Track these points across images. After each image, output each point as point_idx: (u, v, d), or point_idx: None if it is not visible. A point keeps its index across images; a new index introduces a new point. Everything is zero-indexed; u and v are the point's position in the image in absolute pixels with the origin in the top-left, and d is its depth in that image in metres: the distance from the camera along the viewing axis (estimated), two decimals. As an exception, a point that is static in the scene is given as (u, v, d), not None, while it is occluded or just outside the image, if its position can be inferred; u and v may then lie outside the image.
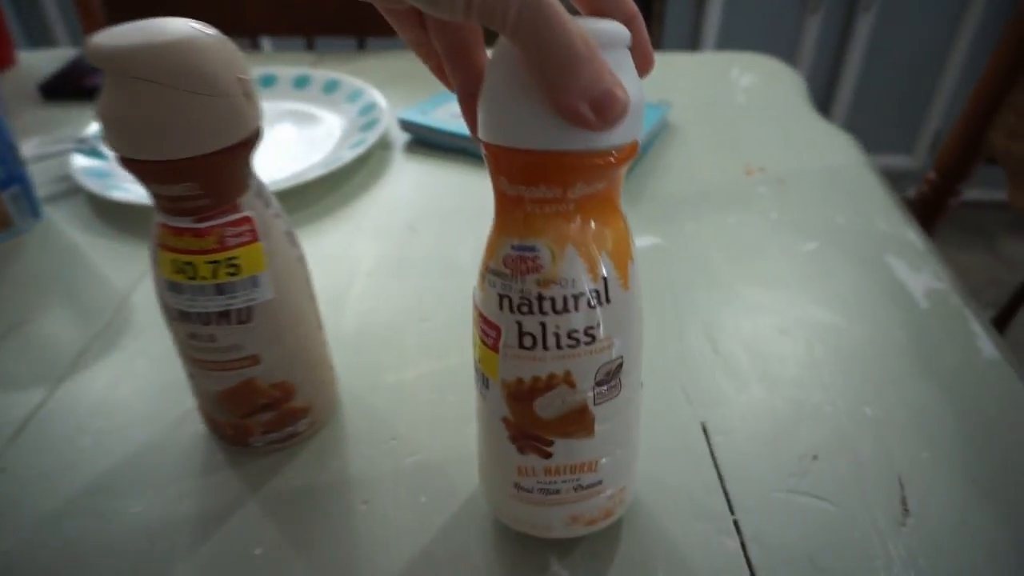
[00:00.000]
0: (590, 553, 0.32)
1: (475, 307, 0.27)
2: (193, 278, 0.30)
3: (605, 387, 0.27)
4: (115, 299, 0.48)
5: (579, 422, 0.27)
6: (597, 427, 0.27)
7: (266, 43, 1.73)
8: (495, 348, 0.26)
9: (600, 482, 0.29)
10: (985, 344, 0.42)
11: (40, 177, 0.61)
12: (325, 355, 0.37)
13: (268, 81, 0.74)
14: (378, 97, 0.68)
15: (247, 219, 0.30)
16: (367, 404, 0.39)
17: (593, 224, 0.25)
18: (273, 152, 0.65)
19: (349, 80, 0.72)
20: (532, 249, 0.24)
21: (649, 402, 0.38)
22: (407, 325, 0.45)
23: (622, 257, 0.26)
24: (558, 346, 0.25)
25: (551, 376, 0.26)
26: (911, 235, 0.52)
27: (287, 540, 0.33)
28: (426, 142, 0.66)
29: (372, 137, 0.62)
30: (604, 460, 0.29)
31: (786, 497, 0.34)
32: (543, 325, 0.25)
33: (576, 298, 0.25)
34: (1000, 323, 0.75)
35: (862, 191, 0.57)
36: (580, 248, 0.24)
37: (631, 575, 0.31)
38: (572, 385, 0.26)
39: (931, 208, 0.71)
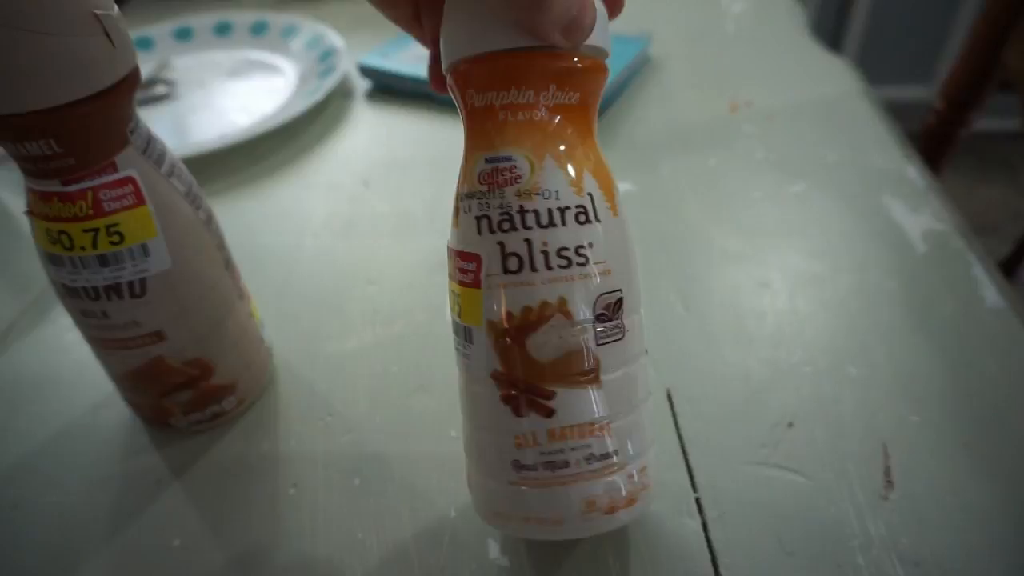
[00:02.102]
0: (533, 542, 0.29)
1: (449, 254, 0.24)
2: (71, 249, 0.26)
3: (606, 325, 0.23)
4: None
5: (580, 365, 0.23)
6: (603, 376, 0.24)
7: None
8: (476, 282, 0.23)
9: (616, 452, 0.24)
10: (988, 291, 0.38)
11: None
12: (250, 328, 0.34)
13: (223, 29, 0.69)
14: (337, 42, 0.63)
15: (128, 179, 0.27)
16: (304, 378, 0.36)
17: (572, 138, 0.23)
18: (229, 105, 0.61)
19: (309, 25, 0.67)
20: (508, 159, 0.23)
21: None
22: (352, 289, 0.41)
23: (606, 182, 0.24)
24: (547, 266, 0.23)
25: (543, 305, 0.23)
26: (911, 172, 0.47)
27: (208, 529, 0.30)
28: (388, 88, 0.61)
29: (327, 85, 0.57)
30: (616, 423, 0.24)
31: (755, 471, 0.30)
32: (528, 243, 0.22)
33: (562, 211, 0.22)
34: (1015, 260, 0.71)
35: (859, 124, 0.52)
36: (559, 160, 0.23)
37: (578, 563, 0.28)
38: (568, 316, 0.23)
39: (939, 141, 0.65)
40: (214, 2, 0.81)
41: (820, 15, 1.76)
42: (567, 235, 0.23)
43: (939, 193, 0.45)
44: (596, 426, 0.24)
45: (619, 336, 0.24)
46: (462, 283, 0.24)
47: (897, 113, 0.53)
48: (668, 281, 0.40)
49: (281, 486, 0.31)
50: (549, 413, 0.23)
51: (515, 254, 0.23)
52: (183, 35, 0.69)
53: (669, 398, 0.34)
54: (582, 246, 0.23)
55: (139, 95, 0.61)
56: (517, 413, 0.24)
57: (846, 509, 0.29)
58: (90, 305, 0.28)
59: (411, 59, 0.60)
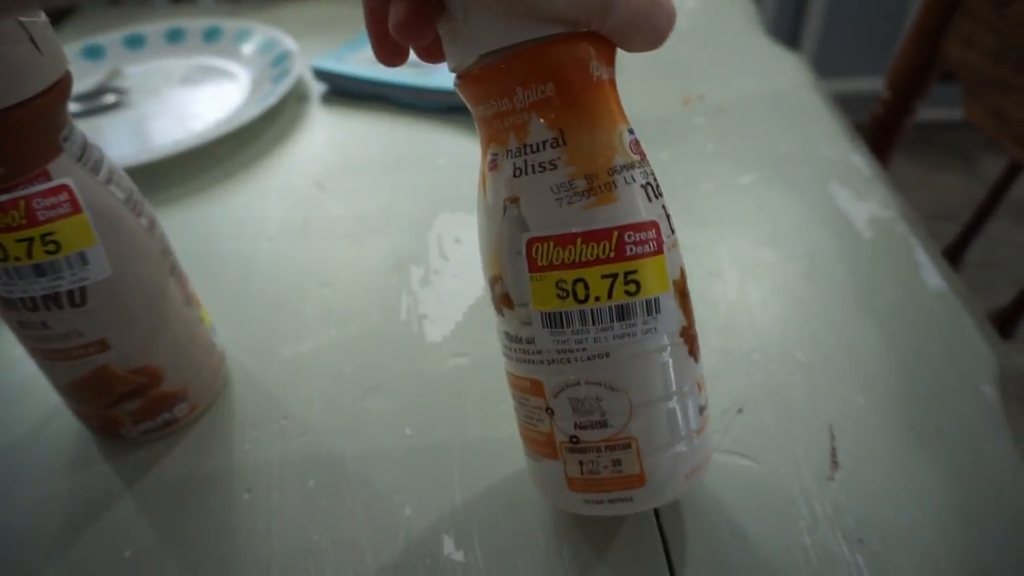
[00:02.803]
0: (488, 533, 0.29)
1: (595, 235, 0.22)
2: (5, 259, 0.26)
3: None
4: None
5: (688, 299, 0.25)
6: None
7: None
8: (659, 248, 0.23)
9: (706, 406, 0.26)
10: (930, 275, 0.39)
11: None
12: (200, 333, 0.34)
13: (175, 36, 0.69)
14: (291, 45, 0.63)
15: (63, 188, 0.26)
16: (258, 382, 0.36)
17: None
18: (183, 111, 0.60)
19: (262, 29, 0.67)
20: (632, 131, 0.23)
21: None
22: (308, 292, 0.41)
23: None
24: (671, 229, 0.24)
25: (675, 243, 0.24)
26: (857, 160, 0.48)
27: (160, 539, 0.30)
28: (343, 91, 0.61)
29: (281, 89, 0.57)
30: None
31: (706, 457, 0.31)
32: (664, 208, 0.23)
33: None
34: (960, 245, 0.72)
35: (808, 116, 0.53)
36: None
37: (530, 555, 0.28)
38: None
39: (886, 130, 0.66)
40: (166, 9, 0.80)
41: (778, 13, 1.79)
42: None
43: (885, 181, 0.46)
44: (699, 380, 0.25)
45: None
46: (642, 255, 0.22)
47: (855, 104, 0.54)
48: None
49: (235, 491, 0.31)
50: (698, 359, 0.25)
51: (668, 214, 0.24)
52: (135, 43, 0.68)
53: (622, 389, 0.34)
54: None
55: (88, 104, 0.61)
56: (696, 359, 0.25)
57: (794, 491, 0.29)
58: (28, 316, 0.28)
59: (365, 61, 0.60)
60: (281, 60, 0.62)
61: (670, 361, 0.23)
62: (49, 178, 0.26)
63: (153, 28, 0.69)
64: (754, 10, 0.73)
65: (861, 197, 0.45)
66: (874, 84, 1.87)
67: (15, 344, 0.39)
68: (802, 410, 0.32)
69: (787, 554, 0.27)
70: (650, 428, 0.24)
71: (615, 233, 0.22)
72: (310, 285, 0.42)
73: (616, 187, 0.22)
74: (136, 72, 0.66)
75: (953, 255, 0.73)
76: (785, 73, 0.59)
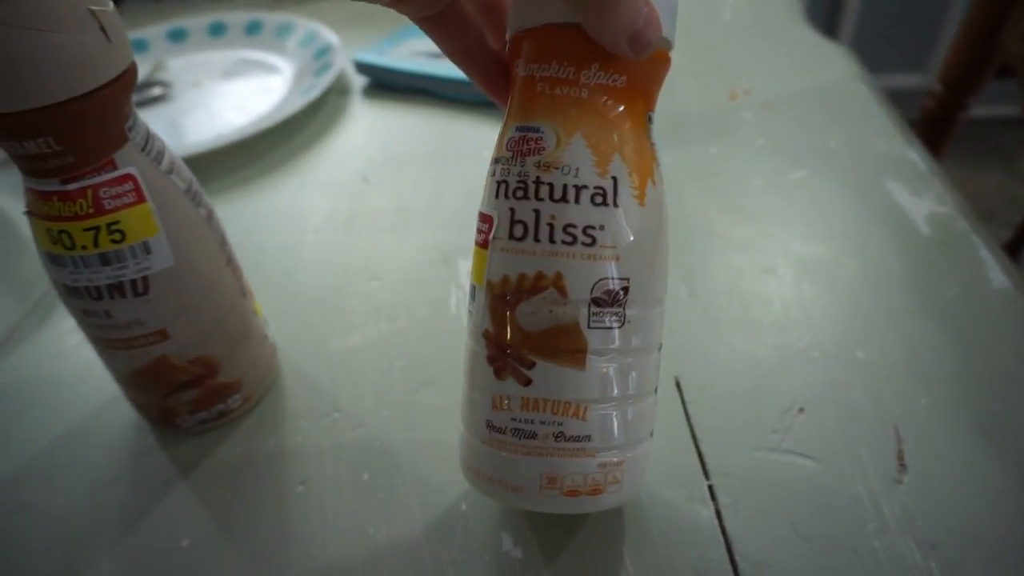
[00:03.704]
0: (546, 533, 0.28)
1: (480, 208, 0.25)
2: (72, 248, 0.26)
3: (603, 310, 0.23)
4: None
5: (566, 343, 0.23)
6: (589, 359, 0.23)
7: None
8: (485, 243, 0.24)
9: (588, 438, 0.24)
10: (994, 273, 0.38)
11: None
12: (254, 324, 0.34)
13: (217, 29, 0.69)
14: (332, 39, 0.63)
15: (128, 177, 0.26)
16: (309, 375, 0.36)
17: (612, 122, 0.23)
18: (225, 104, 0.60)
19: (304, 23, 0.67)
20: (536, 130, 0.23)
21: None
22: (355, 285, 0.41)
23: (642, 170, 0.23)
24: (551, 239, 0.22)
25: (539, 276, 0.23)
26: (912, 155, 0.47)
27: (217, 529, 0.30)
28: (385, 84, 0.61)
29: (324, 82, 0.57)
30: (596, 410, 0.24)
31: (767, 457, 0.30)
32: (536, 213, 0.22)
33: (578, 189, 0.22)
34: (1016, 245, 0.70)
35: (858, 110, 0.52)
36: (590, 139, 0.22)
37: (591, 554, 0.28)
38: (563, 292, 0.23)
39: (938, 126, 0.65)
40: (208, 3, 0.80)
41: (813, 4, 1.76)
42: (578, 213, 0.22)
43: (941, 176, 0.45)
44: (572, 406, 0.23)
45: (616, 324, 0.23)
46: (477, 243, 0.24)
47: (892, 102, 0.53)
48: (673, 269, 0.39)
49: (289, 483, 0.31)
50: (526, 382, 0.23)
51: (522, 222, 0.23)
52: (177, 36, 0.69)
53: (678, 385, 0.33)
54: (591, 227, 0.22)
55: (135, 97, 0.61)
56: (497, 375, 0.24)
57: (860, 493, 0.28)
58: (92, 305, 0.28)
59: (407, 55, 0.60)
60: (323, 53, 0.62)
61: (474, 353, 0.25)
62: (115, 167, 0.26)
63: (195, 22, 0.70)
64: (798, 1, 0.71)
65: (917, 193, 0.43)
66: (911, 81, 1.84)
67: (68, 333, 0.40)
68: (865, 410, 0.32)
69: (855, 558, 0.26)
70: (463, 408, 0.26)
71: (478, 215, 0.25)
72: (357, 278, 0.41)
73: (488, 177, 0.24)
74: (178, 65, 0.67)
75: (1010, 253, 0.71)
76: (832, 66, 0.58)
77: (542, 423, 0.23)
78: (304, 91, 0.57)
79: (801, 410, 0.32)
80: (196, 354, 0.31)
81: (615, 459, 0.24)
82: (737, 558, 0.27)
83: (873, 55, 1.79)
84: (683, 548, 0.27)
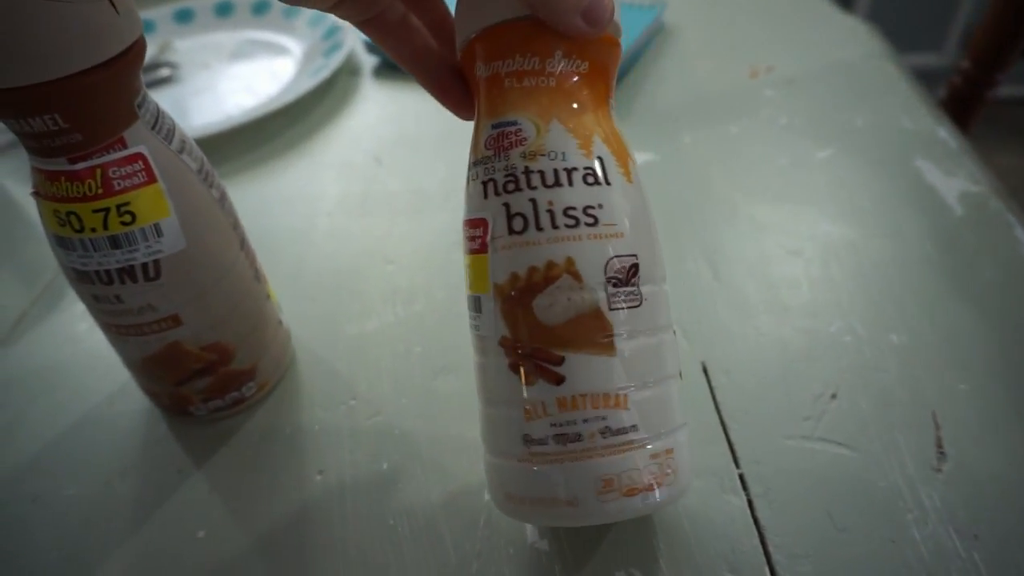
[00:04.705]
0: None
1: (463, 227, 0.24)
2: (80, 230, 0.25)
3: (620, 290, 0.22)
4: (55, 258, 0.43)
5: (592, 330, 0.22)
6: (618, 343, 0.22)
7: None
8: (483, 247, 0.23)
9: (634, 427, 0.22)
10: (1031, 253, 0.36)
11: (-21, 130, 0.56)
12: (268, 310, 0.33)
13: (224, 9, 0.68)
14: (342, 18, 0.62)
15: (138, 156, 0.25)
16: (324, 361, 0.35)
17: (582, 105, 0.23)
18: (233, 86, 0.59)
19: (312, 2, 0.65)
20: (513, 123, 0.22)
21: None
22: (370, 269, 0.40)
23: (620, 150, 0.23)
24: (553, 225, 0.22)
25: (549, 265, 0.22)
26: (942, 133, 0.45)
27: (233, 519, 0.29)
28: (395, 65, 0.59)
29: (333, 63, 0.55)
30: (635, 396, 0.22)
31: (799, 445, 0.29)
32: (533, 202, 0.22)
33: (569, 172, 0.22)
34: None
35: (884, 87, 0.51)
36: (568, 123, 0.22)
37: (621, 546, 0.27)
38: (577, 278, 0.22)
39: (965, 103, 0.63)
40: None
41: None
42: (574, 195, 0.22)
43: (972, 155, 0.43)
44: (611, 397, 0.22)
45: (636, 303, 0.22)
46: (471, 251, 0.23)
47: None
48: (696, 251, 0.39)
49: (307, 472, 0.30)
50: (558, 380, 0.22)
51: (520, 214, 0.22)
52: (184, 17, 0.68)
53: (705, 371, 0.32)
54: (591, 206, 0.22)
55: (144, 77, 0.60)
56: (525, 381, 0.22)
57: (897, 482, 0.27)
58: (103, 290, 0.27)
59: (418, 33, 0.58)
60: (332, 33, 0.61)
61: (491, 367, 0.23)
62: (125, 146, 0.25)
63: (202, 2, 0.68)
64: (817, -22, 0.69)
65: (949, 172, 0.42)
66: (926, 59, 1.81)
67: (78, 318, 0.39)
68: (900, 396, 0.31)
69: (895, 549, 0.25)
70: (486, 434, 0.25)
71: (464, 225, 0.24)
72: (372, 262, 0.40)
73: (468, 183, 0.24)
74: (186, 46, 0.65)
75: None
76: (856, 43, 0.56)
77: (585, 421, 0.22)
78: (314, 72, 0.56)
79: (834, 396, 0.31)
80: (210, 340, 0.30)
81: (665, 447, 0.23)
82: (771, 549, 0.26)
83: (888, 34, 1.76)
84: (715, 539, 0.26)
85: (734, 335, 0.34)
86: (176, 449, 0.32)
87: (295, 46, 0.63)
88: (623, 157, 0.23)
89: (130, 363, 0.31)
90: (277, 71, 0.60)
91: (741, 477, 0.28)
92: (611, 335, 0.22)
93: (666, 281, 0.24)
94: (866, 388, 0.31)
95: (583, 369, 0.22)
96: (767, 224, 0.40)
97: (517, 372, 0.22)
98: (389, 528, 0.28)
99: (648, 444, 0.22)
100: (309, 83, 0.53)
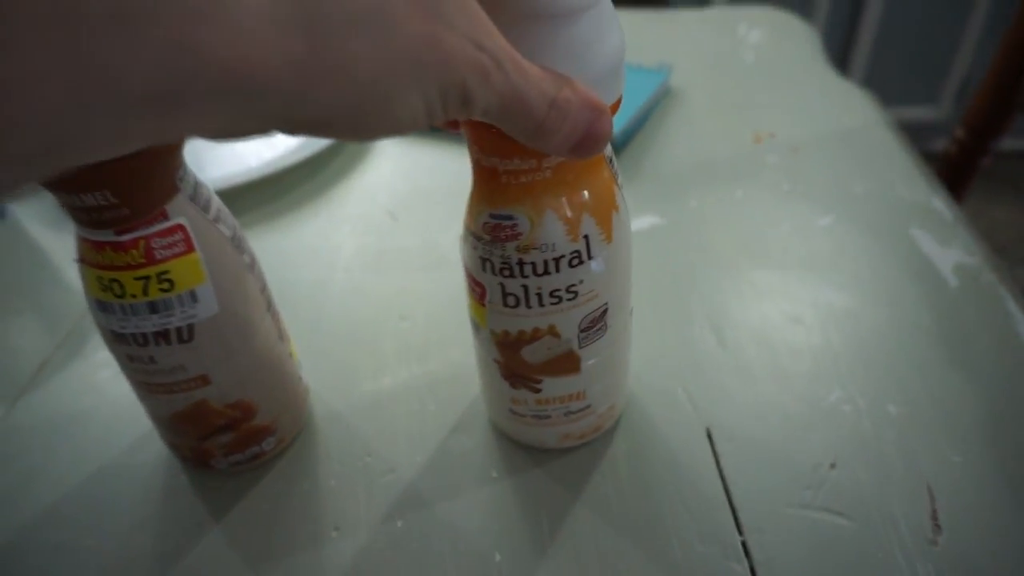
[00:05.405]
0: (576, 573, 0.28)
1: (462, 259, 0.28)
2: (122, 296, 0.27)
3: (590, 332, 0.28)
4: (80, 304, 0.45)
5: (565, 364, 0.28)
6: (583, 364, 0.29)
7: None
8: (482, 303, 0.27)
9: (588, 406, 0.31)
10: (1023, 328, 0.38)
11: (6, 174, 0.57)
12: (289, 368, 0.34)
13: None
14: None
15: (178, 227, 0.27)
16: (341, 417, 0.36)
17: (573, 186, 0.24)
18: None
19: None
20: (510, 218, 0.25)
21: (648, 404, 0.35)
22: (385, 325, 0.41)
23: (605, 210, 0.25)
24: (541, 304, 0.26)
25: (536, 330, 0.27)
26: (937, 203, 0.47)
27: (252, 573, 0.30)
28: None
29: (352, 117, 0.57)
30: (592, 388, 0.30)
31: (800, 513, 0.30)
32: (525, 287, 0.26)
33: (556, 260, 0.25)
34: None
35: (882, 154, 0.53)
36: (559, 212, 0.25)
37: (626, 610, 0.28)
38: (557, 336, 0.27)
39: (959, 170, 0.65)
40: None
41: (826, 35, 1.77)
42: (560, 279, 0.26)
43: (966, 225, 0.45)
44: (574, 395, 0.30)
45: (601, 335, 0.28)
46: (472, 296, 0.28)
47: (906, 135, 0.54)
48: (701, 316, 0.40)
49: (324, 528, 0.31)
50: (537, 391, 0.30)
51: (513, 294, 0.26)
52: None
53: (709, 437, 0.34)
54: (573, 284, 0.26)
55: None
56: (513, 387, 0.30)
57: (895, 554, 0.28)
58: (137, 351, 0.28)
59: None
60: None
61: (489, 367, 0.31)
62: (167, 218, 0.26)
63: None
64: (818, 41, 0.72)
65: (944, 243, 0.44)
66: (921, 113, 1.85)
67: (100, 366, 0.40)
68: (897, 467, 0.32)
69: (893, 621, 0.26)
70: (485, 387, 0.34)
71: (465, 269, 0.28)
72: (388, 318, 0.42)
73: (469, 238, 0.27)
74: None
75: None
76: (856, 110, 0.58)
77: (554, 409, 0.31)
78: (332, 125, 0.58)
79: (833, 466, 0.32)
80: (235, 398, 0.31)
81: (609, 404, 0.32)
82: (773, 618, 0.27)
83: (885, 88, 1.80)
84: (719, 607, 0.27)
85: (737, 402, 0.35)
86: (196, 501, 0.33)
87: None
88: (606, 215, 0.25)
89: (157, 418, 0.32)
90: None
91: (744, 544, 0.29)
92: (579, 364, 0.29)
93: (629, 281, 0.29)
94: (864, 458, 0.32)
95: (555, 385, 0.29)
96: (770, 290, 0.41)
97: (507, 380, 0.30)
98: (403, 587, 0.29)
99: (597, 410, 0.31)
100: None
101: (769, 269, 0.43)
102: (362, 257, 0.47)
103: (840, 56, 1.80)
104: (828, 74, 0.65)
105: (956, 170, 0.65)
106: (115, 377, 0.39)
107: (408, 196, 0.53)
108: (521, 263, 0.25)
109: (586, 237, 0.25)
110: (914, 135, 0.54)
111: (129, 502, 0.33)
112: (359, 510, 0.32)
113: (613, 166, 0.26)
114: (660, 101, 0.61)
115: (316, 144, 0.55)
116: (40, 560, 0.31)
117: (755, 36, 0.72)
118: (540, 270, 0.25)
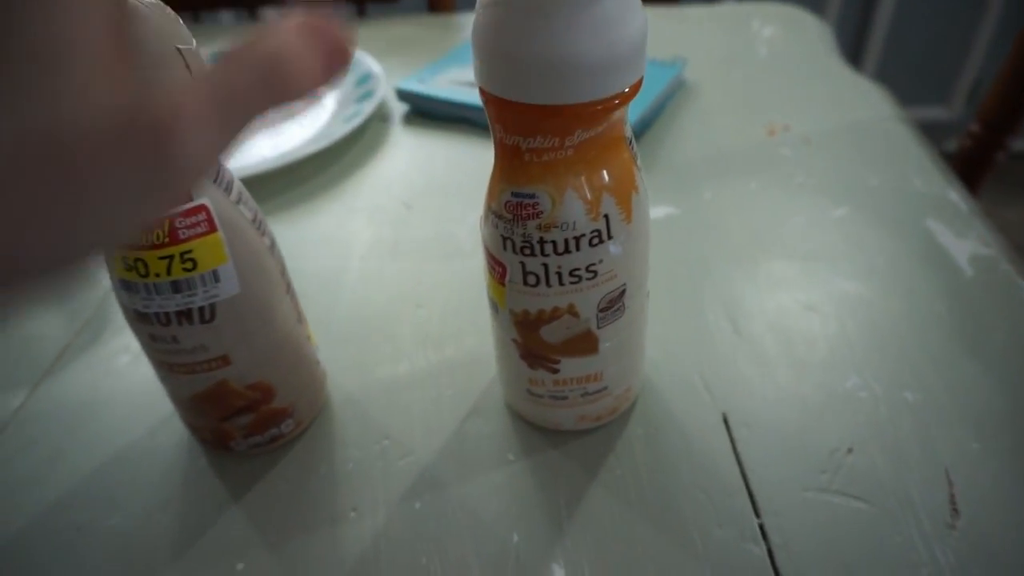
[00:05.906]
0: (599, 563, 0.28)
1: (482, 239, 0.28)
2: (145, 275, 0.27)
3: (608, 312, 0.28)
4: (100, 290, 0.45)
5: (583, 344, 0.29)
6: (601, 346, 0.29)
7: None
8: (502, 282, 0.28)
9: (605, 388, 0.31)
10: (1040, 316, 0.38)
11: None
12: (308, 351, 0.34)
13: (260, 54, 0.70)
14: (374, 66, 0.64)
15: (201, 207, 0.27)
16: (358, 401, 0.37)
17: (594, 165, 0.25)
18: (267, 129, 0.61)
19: (345, 50, 0.68)
20: (532, 196, 0.25)
21: (664, 390, 0.35)
22: (402, 313, 0.42)
23: (625, 190, 0.26)
24: (560, 283, 0.26)
25: (555, 309, 0.27)
26: (953, 195, 0.47)
27: (270, 553, 0.30)
28: (425, 112, 0.62)
29: (366, 109, 0.58)
30: (609, 369, 0.30)
31: (817, 497, 0.30)
32: (545, 266, 0.26)
33: (577, 239, 0.25)
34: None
35: (896, 148, 0.52)
36: (579, 191, 0.25)
37: (644, 590, 0.28)
38: (576, 315, 0.28)
39: (974, 165, 0.65)
40: (247, 28, 0.82)
41: (837, 35, 1.77)
42: (580, 258, 0.26)
43: (982, 217, 0.45)
44: (592, 376, 0.30)
45: (619, 316, 0.29)
46: (492, 276, 0.28)
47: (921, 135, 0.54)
48: (717, 305, 0.40)
49: (342, 510, 0.32)
50: (554, 371, 0.30)
51: (533, 273, 0.26)
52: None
53: (726, 422, 0.34)
54: (593, 264, 0.26)
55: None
56: (531, 367, 0.30)
57: (912, 537, 0.28)
58: (160, 330, 0.28)
59: (448, 84, 0.61)
60: (365, 80, 0.63)
61: (507, 347, 0.31)
62: (190, 198, 0.27)
63: (239, 47, 0.71)
64: (830, 36, 0.72)
65: (960, 234, 0.44)
66: (934, 113, 1.84)
67: (119, 352, 0.41)
68: (914, 453, 0.32)
69: (911, 603, 0.26)
70: (502, 368, 0.34)
71: (486, 248, 0.28)
72: (404, 306, 0.42)
73: (489, 217, 0.27)
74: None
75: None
76: (869, 103, 0.58)
77: (571, 391, 0.31)
78: (347, 118, 0.58)
79: (850, 451, 0.32)
80: (254, 379, 0.31)
81: (626, 387, 0.32)
82: (791, 600, 0.27)
83: (897, 87, 1.80)
84: (736, 588, 0.27)
85: (754, 388, 0.35)
86: (216, 483, 0.33)
87: (328, 92, 0.65)
88: (626, 196, 0.26)
89: (178, 399, 0.32)
90: (311, 116, 0.62)
91: (761, 527, 0.29)
92: (597, 345, 0.29)
93: (647, 262, 0.29)
94: (881, 444, 0.32)
95: (573, 366, 0.30)
96: (785, 279, 0.42)
97: (525, 360, 0.30)
98: (421, 567, 0.29)
99: (614, 392, 0.32)
100: (343, 128, 0.56)
101: (784, 259, 0.43)
102: (378, 247, 0.47)
103: (851, 56, 1.79)
104: (842, 69, 0.65)
105: (970, 166, 0.65)
106: (133, 363, 0.40)
107: (423, 187, 0.53)
108: (542, 242, 0.25)
109: (606, 217, 0.25)
110: (925, 135, 0.54)
111: (150, 484, 0.34)
112: (377, 492, 0.32)
113: (633, 148, 0.26)
114: (674, 94, 0.61)
115: (332, 135, 0.55)
116: (64, 540, 0.31)
117: (768, 31, 0.72)
118: (560, 249, 0.26)
